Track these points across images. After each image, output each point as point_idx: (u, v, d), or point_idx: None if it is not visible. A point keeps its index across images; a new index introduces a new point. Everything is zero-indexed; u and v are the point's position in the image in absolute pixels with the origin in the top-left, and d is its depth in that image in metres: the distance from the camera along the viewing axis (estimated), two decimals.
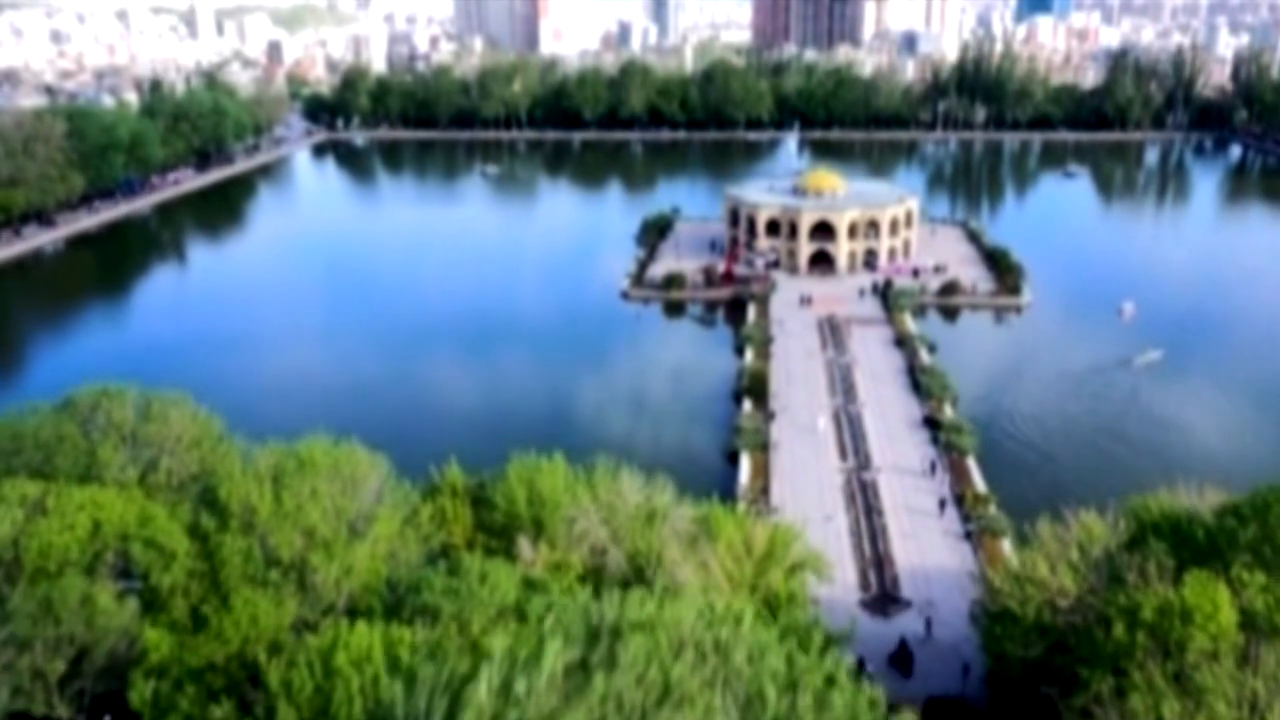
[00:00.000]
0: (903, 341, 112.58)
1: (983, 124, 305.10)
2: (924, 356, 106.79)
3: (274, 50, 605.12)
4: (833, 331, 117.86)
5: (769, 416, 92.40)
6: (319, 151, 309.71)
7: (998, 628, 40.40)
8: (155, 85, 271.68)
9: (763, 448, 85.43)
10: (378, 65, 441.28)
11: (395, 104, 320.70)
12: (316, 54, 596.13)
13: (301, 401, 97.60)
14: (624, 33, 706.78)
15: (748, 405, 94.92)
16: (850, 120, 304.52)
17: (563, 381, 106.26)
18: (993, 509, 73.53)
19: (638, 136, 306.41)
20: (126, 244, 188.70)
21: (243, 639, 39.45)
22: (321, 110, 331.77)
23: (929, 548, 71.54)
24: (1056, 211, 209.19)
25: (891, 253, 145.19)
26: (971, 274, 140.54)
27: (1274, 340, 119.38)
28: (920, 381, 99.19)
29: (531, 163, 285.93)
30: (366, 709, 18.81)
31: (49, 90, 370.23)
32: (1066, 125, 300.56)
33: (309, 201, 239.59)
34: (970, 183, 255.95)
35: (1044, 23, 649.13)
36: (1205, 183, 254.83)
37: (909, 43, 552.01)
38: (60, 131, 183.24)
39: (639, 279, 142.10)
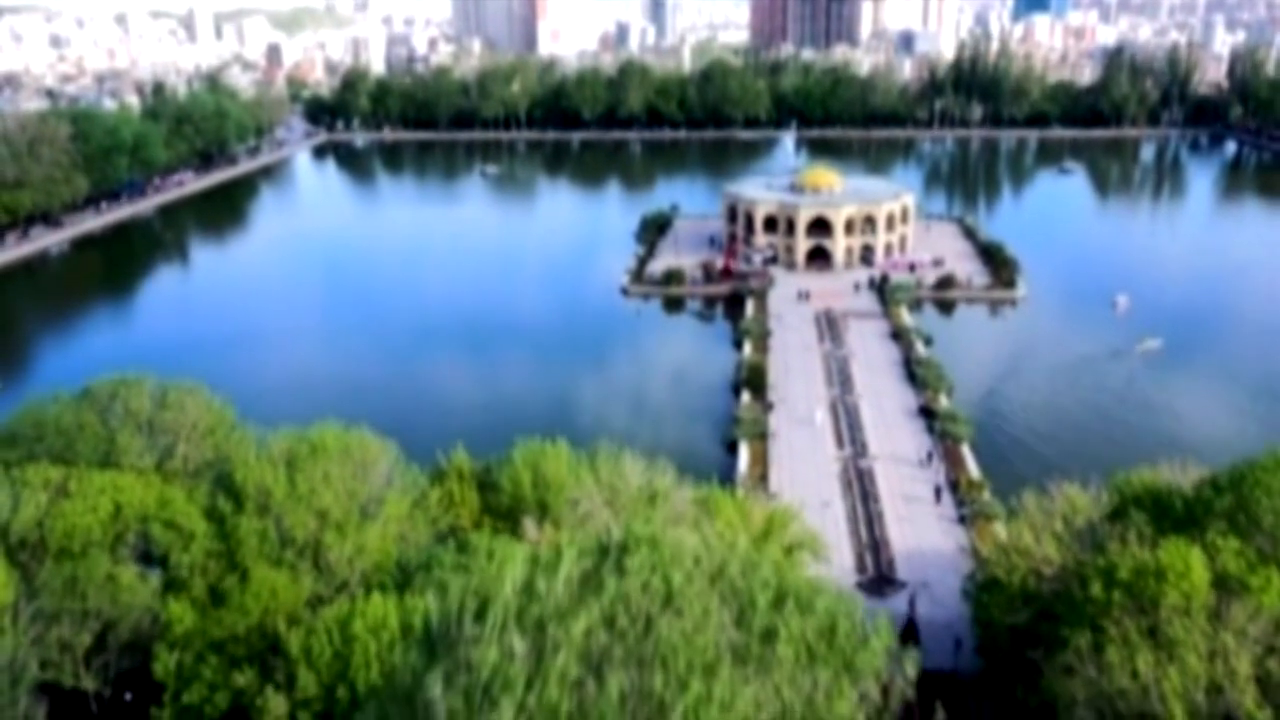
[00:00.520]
0: (899, 334, 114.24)
1: (979, 121, 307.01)
2: (920, 349, 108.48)
3: (273, 53, 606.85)
4: (830, 325, 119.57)
5: (767, 407, 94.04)
6: (320, 153, 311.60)
7: (985, 596, 42.15)
8: (158, 88, 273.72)
9: (761, 437, 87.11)
10: (376, 67, 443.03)
11: (395, 105, 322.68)
12: (315, 56, 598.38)
13: (309, 395, 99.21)
14: (622, 33, 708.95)
15: (746, 397, 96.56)
16: (847, 119, 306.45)
17: (564, 375, 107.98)
18: (986, 494, 75.12)
19: (636, 136, 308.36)
20: (131, 245, 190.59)
21: (262, 611, 41.14)
22: (322, 112, 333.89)
23: (924, 532, 73.17)
24: (1052, 208, 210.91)
25: (888, 248, 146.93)
26: (967, 268, 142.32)
27: (1266, 330, 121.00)
28: (916, 373, 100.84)
29: (531, 163, 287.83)
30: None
31: (50, 94, 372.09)
32: (1062, 122, 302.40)
33: (311, 202, 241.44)
34: (967, 180, 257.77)
35: (1041, 21, 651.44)
36: (1200, 179, 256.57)
37: (906, 42, 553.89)
38: (65, 134, 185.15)
39: (639, 275, 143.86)
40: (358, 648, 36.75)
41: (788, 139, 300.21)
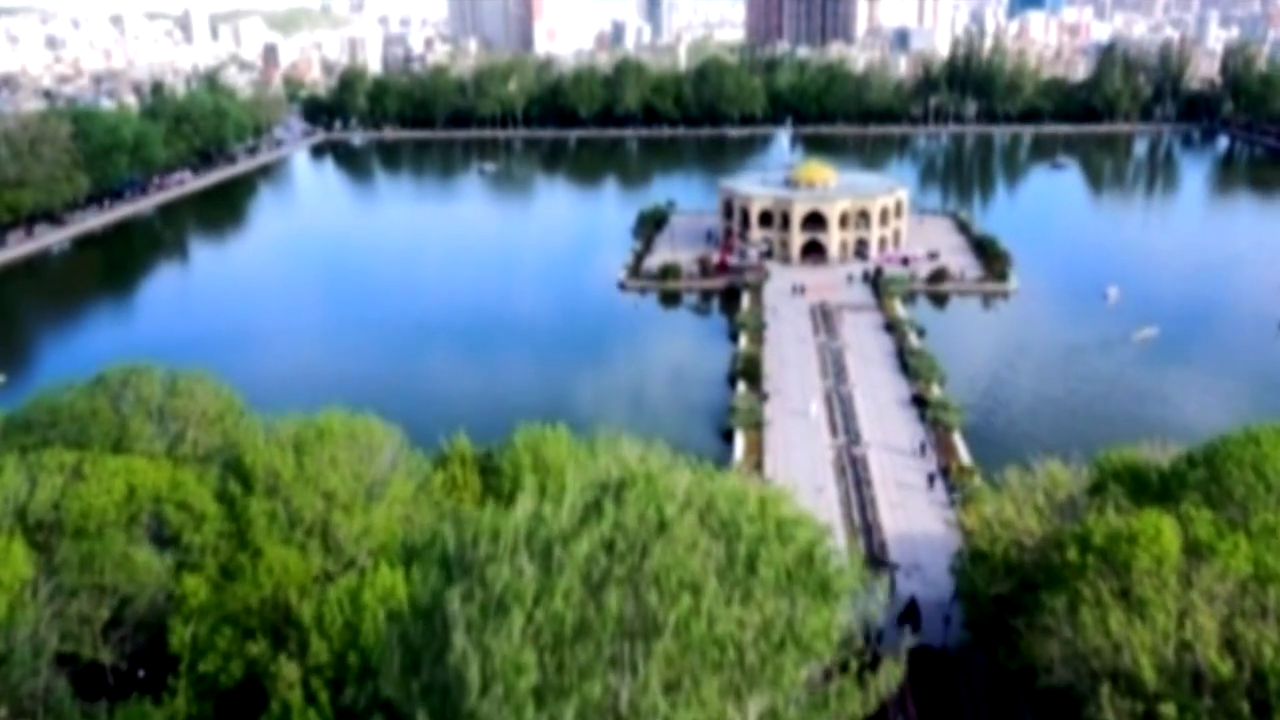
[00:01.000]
0: (892, 326, 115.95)
1: (974, 118, 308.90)
2: (913, 340, 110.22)
3: (270, 53, 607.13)
4: (825, 318, 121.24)
5: (763, 398, 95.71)
6: (318, 152, 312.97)
7: (970, 567, 43.77)
8: (157, 87, 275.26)
9: (756, 426, 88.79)
10: (373, 67, 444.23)
11: (393, 104, 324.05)
12: (312, 57, 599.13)
13: (312, 388, 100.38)
14: (618, 32, 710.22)
15: (742, 387, 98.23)
16: (842, 115, 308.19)
17: (563, 367, 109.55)
18: (977, 480, 76.75)
19: (633, 133, 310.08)
20: (132, 243, 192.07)
21: (274, 585, 42.66)
22: (320, 111, 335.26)
23: (916, 516, 74.87)
24: (1045, 202, 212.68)
25: (882, 242, 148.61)
26: (960, 262, 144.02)
27: (1255, 320, 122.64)
28: (909, 363, 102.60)
29: (528, 160, 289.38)
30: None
31: (47, 95, 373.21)
32: (1056, 118, 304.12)
33: (310, 200, 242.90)
34: (961, 175, 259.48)
35: (1036, 18, 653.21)
36: (1192, 173, 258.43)
37: (901, 39, 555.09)
38: (66, 133, 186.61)
39: (635, 270, 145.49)
40: (367, 616, 38.33)
41: (783, 136, 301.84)
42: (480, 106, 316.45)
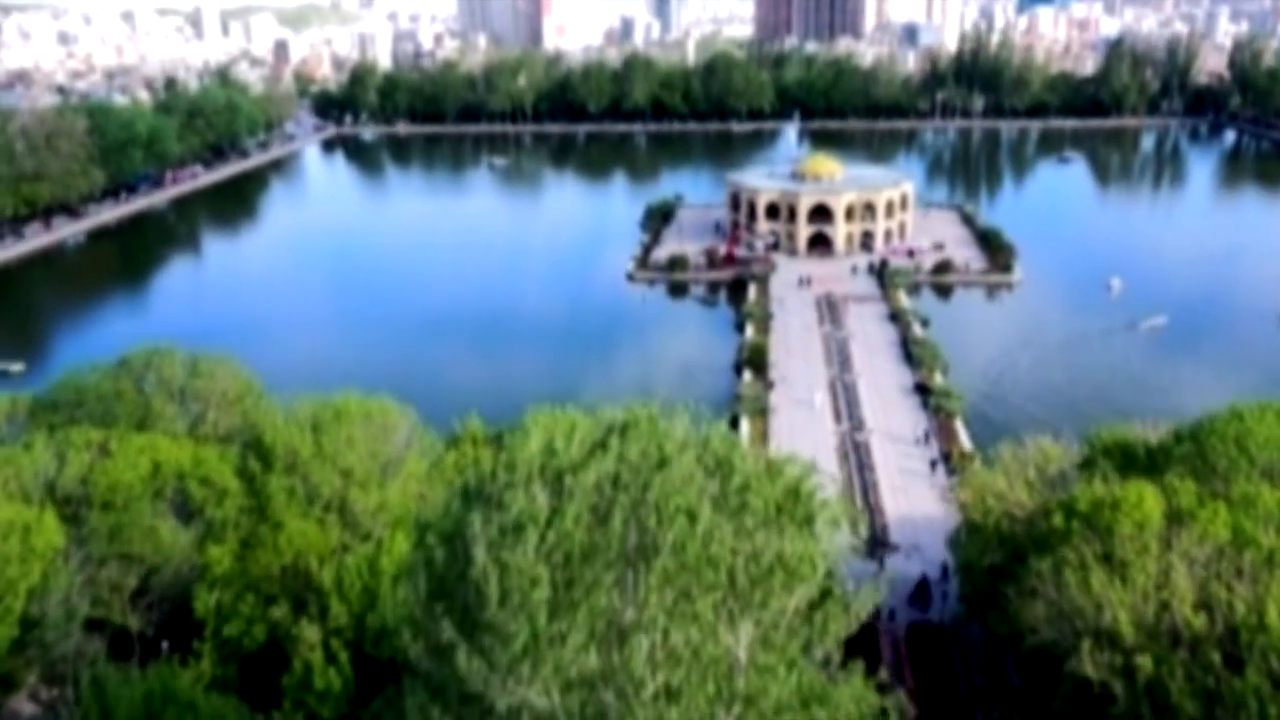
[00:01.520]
0: (897, 316, 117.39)
1: (981, 112, 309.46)
2: (917, 329, 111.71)
3: (280, 49, 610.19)
4: (830, 308, 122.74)
5: (768, 386, 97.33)
6: (328, 146, 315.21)
7: (964, 538, 45.41)
8: (170, 82, 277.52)
9: (762, 413, 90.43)
10: (383, 63, 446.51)
11: (403, 99, 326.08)
12: (322, 52, 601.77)
13: (325, 376, 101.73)
14: (626, 28, 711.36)
15: (748, 375, 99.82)
16: (850, 110, 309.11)
17: (571, 356, 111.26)
18: (977, 465, 78.25)
19: (641, 128, 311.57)
20: (145, 236, 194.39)
21: (295, 554, 44.51)
22: (331, 106, 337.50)
23: (917, 500, 76.46)
24: (1051, 196, 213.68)
25: (887, 234, 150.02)
26: (965, 254, 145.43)
27: (1257, 311, 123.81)
28: (912, 352, 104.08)
29: (538, 155, 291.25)
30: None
31: (61, 90, 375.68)
32: (1063, 112, 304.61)
33: (321, 194, 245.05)
34: (968, 170, 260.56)
35: (1045, 13, 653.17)
36: (1199, 167, 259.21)
37: (910, 35, 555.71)
38: (81, 128, 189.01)
39: (643, 262, 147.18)
40: (385, 580, 40.20)
41: (791, 131, 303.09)
42: (490, 101, 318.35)
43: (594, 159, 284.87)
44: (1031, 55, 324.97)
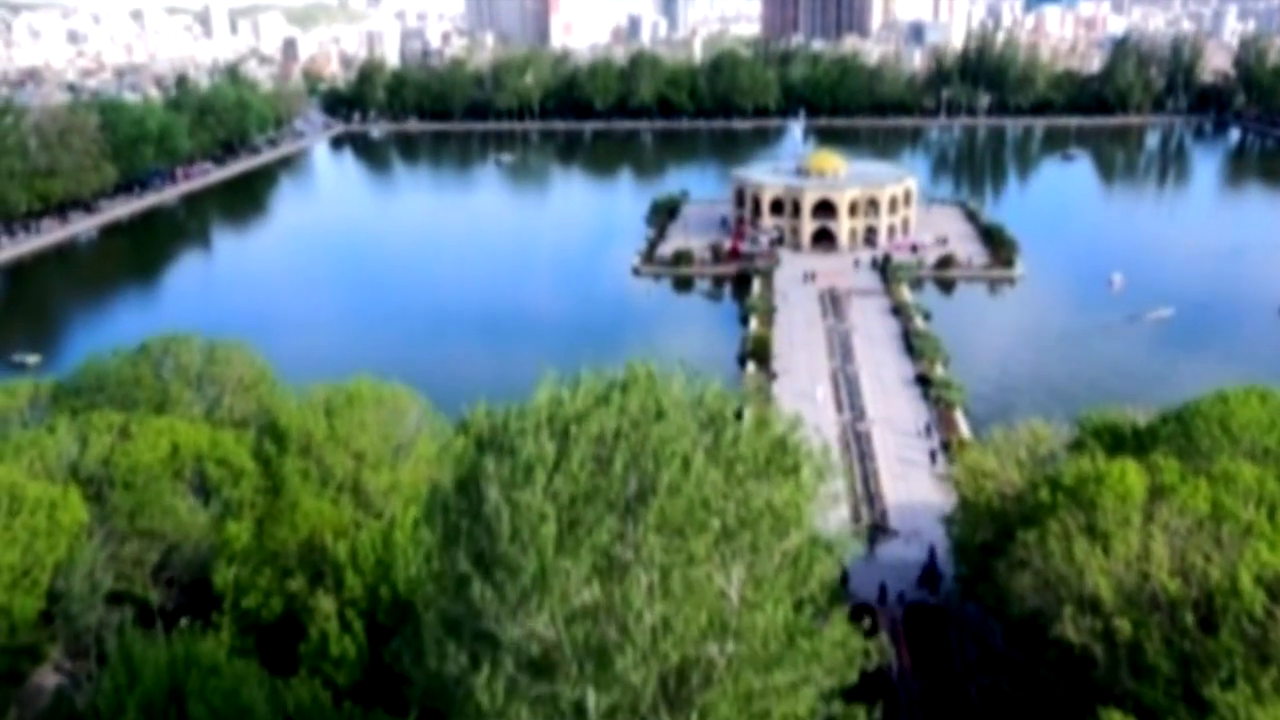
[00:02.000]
0: (899, 310, 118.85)
1: (986, 110, 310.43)
2: (918, 322, 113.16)
3: (289, 47, 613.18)
4: (833, 302, 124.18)
5: (771, 377, 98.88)
6: (337, 144, 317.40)
7: (957, 516, 46.92)
8: (181, 80, 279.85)
9: (765, 404, 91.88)
10: (391, 61, 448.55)
11: (411, 97, 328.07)
12: (331, 51, 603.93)
13: (335, 368, 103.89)
14: (633, 26, 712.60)
15: (751, 367, 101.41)
16: (855, 108, 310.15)
17: (576, 348, 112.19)
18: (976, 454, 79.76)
19: (648, 126, 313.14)
20: (156, 232, 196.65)
21: (311, 529, 46.14)
22: (339, 104, 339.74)
23: (917, 488, 77.93)
24: (1055, 193, 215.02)
25: (891, 230, 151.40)
26: (967, 249, 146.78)
27: (1258, 307, 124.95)
28: (914, 344, 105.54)
29: (544, 152, 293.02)
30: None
31: (71, 88, 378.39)
32: (1068, 110, 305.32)
33: (330, 190, 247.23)
34: (973, 167, 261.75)
35: (1052, 12, 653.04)
36: (1203, 164, 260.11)
37: (917, 33, 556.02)
38: (94, 124, 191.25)
39: (649, 256, 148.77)
40: (398, 553, 41.83)
41: (796, 128, 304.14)
42: (497, 99, 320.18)
43: (600, 156, 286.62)
44: (1037, 53, 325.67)
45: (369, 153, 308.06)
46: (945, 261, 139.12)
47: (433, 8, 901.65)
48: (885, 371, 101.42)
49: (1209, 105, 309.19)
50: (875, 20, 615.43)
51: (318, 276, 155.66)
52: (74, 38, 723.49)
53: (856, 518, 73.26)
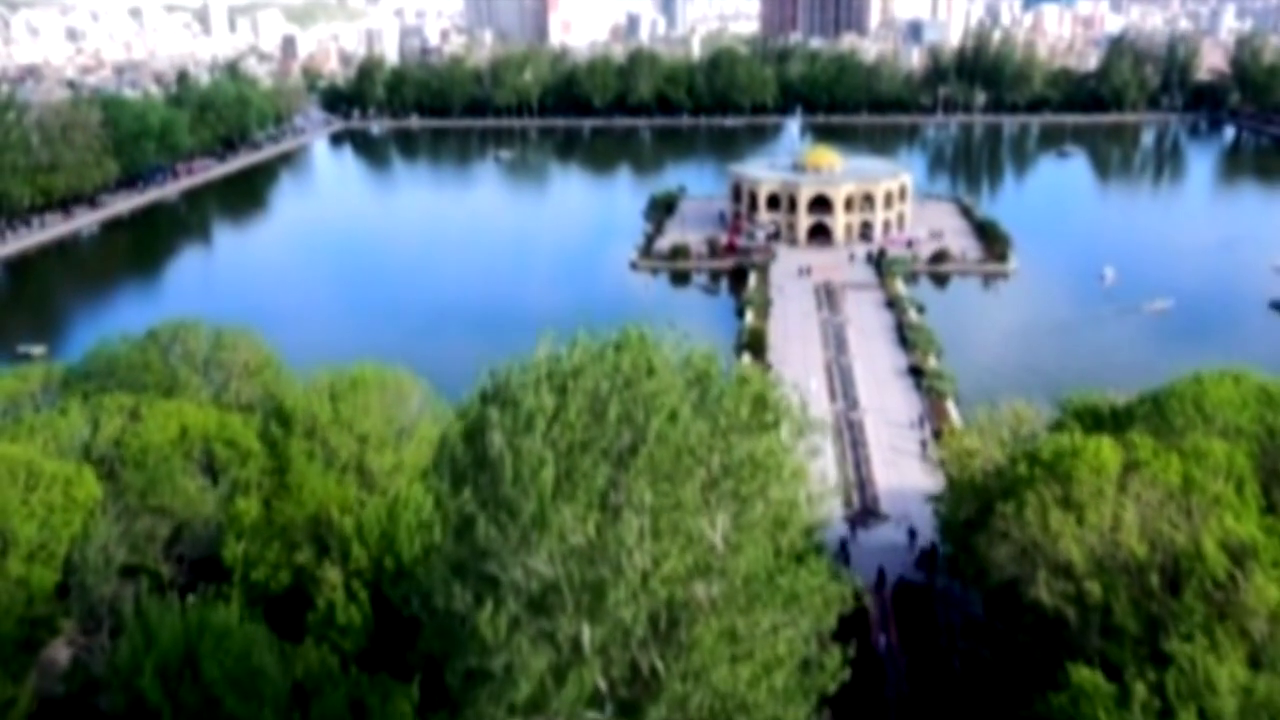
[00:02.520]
0: (893, 303, 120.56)
1: (982, 108, 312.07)
2: (912, 315, 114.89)
3: (288, 45, 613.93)
4: (828, 296, 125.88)
5: (766, 368, 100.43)
6: (336, 140, 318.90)
7: (942, 495, 48.58)
8: (182, 76, 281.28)
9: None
10: (390, 58, 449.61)
11: (410, 94, 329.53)
12: (330, 48, 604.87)
13: (338, 358, 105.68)
14: (632, 24, 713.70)
15: (747, 358, 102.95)
16: (852, 105, 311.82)
17: (574, 337, 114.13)
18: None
19: (646, 123, 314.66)
20: (157, 227, 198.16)
21: (317, 505, 47.75)
22: (339, 101, 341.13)
23: (908, 474, 79.66)
24: (1050, 189, 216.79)
25: (886, 225, 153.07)
26: (962, 244, 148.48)
27: (1248, 300, 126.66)
28: (907, 337, 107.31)
29: (543, 149, 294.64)
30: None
31: (71, 85, 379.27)
32: (1064, 108, 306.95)
33: (330, 186, 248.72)
34: (969, 164, 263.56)
35: (1050, 11, 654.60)
36: (1198, 162, 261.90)
37: (915, 31, 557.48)
38: (96, 120, 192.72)
39: (646, 251, 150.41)
40: (402, 525, 43.46)
41: (793, 125, 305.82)
42: (496, 96, 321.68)
43: (599, 153, 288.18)
44: (1033, 51, 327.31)
45: (369, 149, 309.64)
46: (939, 256, 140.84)
47: (431, 5, 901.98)
48: (878, 363, 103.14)
49: (1204, 103, 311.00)
50: (873, 18, 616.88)
51: (318, 271, 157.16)
52: (73, 35, 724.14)
53: (848, 502, 75.03)
